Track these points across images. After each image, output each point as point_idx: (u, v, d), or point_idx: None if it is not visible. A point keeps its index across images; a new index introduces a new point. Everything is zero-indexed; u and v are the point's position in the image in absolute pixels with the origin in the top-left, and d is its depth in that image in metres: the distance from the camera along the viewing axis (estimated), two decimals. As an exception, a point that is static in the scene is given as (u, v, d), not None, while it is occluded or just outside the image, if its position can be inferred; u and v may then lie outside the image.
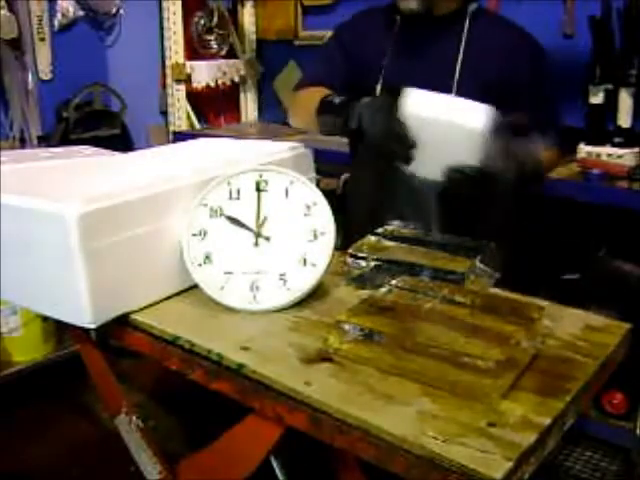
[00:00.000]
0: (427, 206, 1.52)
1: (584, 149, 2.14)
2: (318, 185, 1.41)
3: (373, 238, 1.37)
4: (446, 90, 1.52)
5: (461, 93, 1.51)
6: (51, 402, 2.45)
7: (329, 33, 3.06)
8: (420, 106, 1.27)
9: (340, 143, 2.58)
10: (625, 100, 2.11)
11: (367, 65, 1.63)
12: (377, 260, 1.28)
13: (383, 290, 1.17)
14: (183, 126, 3.18)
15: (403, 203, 1.56)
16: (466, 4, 1.59)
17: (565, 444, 2.17)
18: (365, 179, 1.69)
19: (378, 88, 1.59)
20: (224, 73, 3.30)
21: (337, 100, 1.46)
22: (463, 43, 1.55)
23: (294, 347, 1.08)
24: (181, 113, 3.18)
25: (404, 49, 1.61)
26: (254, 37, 3.40)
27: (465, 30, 1.55)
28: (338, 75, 1.66)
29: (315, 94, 1.58)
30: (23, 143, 2.73)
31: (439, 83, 1.53)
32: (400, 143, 1.26)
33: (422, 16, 1.58)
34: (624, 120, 2.12)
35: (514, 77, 1.54)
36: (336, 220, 1.23)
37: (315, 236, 1.22)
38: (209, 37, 3.26)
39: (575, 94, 2.20)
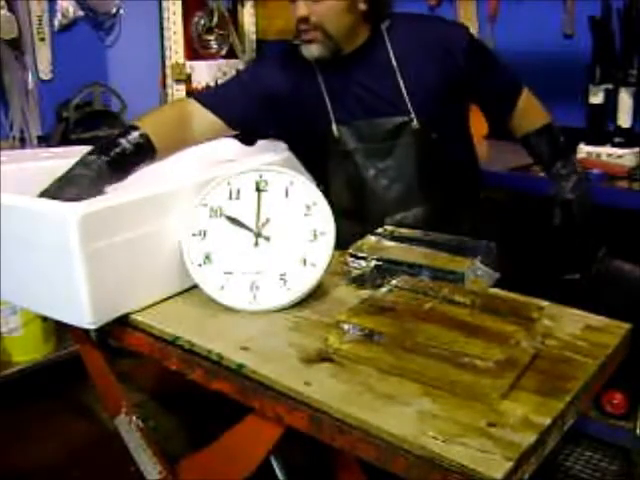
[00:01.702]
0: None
1: (584, 149, 2.14)
2: (318, 185, 1.41)
3: (373, 238, 1.37)
4: (403, 106, 1.51)
5: (419, 107, 1.51)
6: (51, 402, 2.45)
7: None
8: None
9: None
10: (625, 100, 2.11)
11: (306, 109, 1.57)
12: (377, 260, 1.28)
13: (383, 290, 1.17)
14: (183, 126, 3.18)
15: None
16: (377, 26, 1.54)
17: (565, 444, 2.17)
18: (338, 196, 1.65)
19: (334, 128, 1.54)
20: (224, 73, 3.29)
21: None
22: (393, 58, 1.52)
23: (294, 347, 1.08)
24: (181, 113, 3.17)
25: (340, 85, 1.55)
26: (254, 37, 3.39)
27: (388, 45, 1.52)
28: (237, 108, 1.56)
29: (174, 109, 1.58)
30: (23, 143, 2.72)
31: (393, 102, 1.52)
32: None
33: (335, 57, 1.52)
34: (624, 120, 2.12)
35: (456, 66, 1.53)
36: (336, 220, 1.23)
37: (315, 236, 1.22)
38: (209, 37, 3.25)
39: (575, 94, 2.20)
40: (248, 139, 1.63)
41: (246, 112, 1.57)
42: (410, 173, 1.54)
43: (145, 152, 1.39)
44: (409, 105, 1.51)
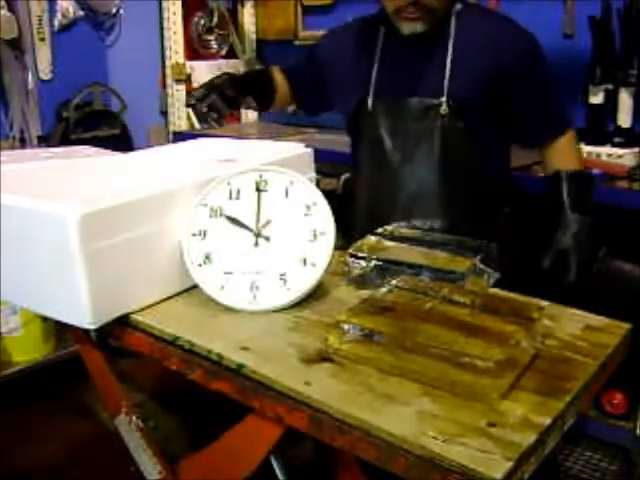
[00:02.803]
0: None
1: (584, 149, 2.14)
2: (318, 185, 1.41)
3: (373, 238, 1.37)
4: (439, 90, 1.51)
5: (453, 93, 1.50)
6: (51, 402, 2.45)
7: (329, 33, 3.08)
8: None
9: (340, 143, 2.59)
10: (625, 100, 2.11)
11: (353, 78, 1.61)
12: (377, 260, 1.28)
13: (383, 290, 1.17)
14: (183, 126, 3.18)
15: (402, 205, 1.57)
16: (451, 7, 1.56)
17: (565, 444, 2.17)
18: (363, 179, 1.68)
19: (369, 100, 1.57)
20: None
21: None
22: (451, 44, 1.52)
23: (294, 347, 1.08)
24: (181, 113, 3.17)
25: (392, 57, 1.58)
26: (254, 37, 3.40)
27: (452, 31, 1.53)
28: (300, 76, 1.78)
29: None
30: (23, 143, 2.73)
31: (431, 85, 1.53)
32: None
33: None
34: (624, 120, 2.12)
35: (503, 67, 1.52)
36: (336, 220, 1.23)
37: (315, 236, 1.22)
38: (209, 37, 3.26)
39: (575, 94, 2.20)
40: (311, 108, 1.87)
41: (306, 77, 1.75)
42: (432, 160, 1.53)
43: (268, 82, 1.71)
44: (445, 89, 1.51)
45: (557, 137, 1.60)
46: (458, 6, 1.56)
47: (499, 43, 1.53)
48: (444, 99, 1.50)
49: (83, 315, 1.14)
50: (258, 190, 1.26)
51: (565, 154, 1.61)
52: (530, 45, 1.57)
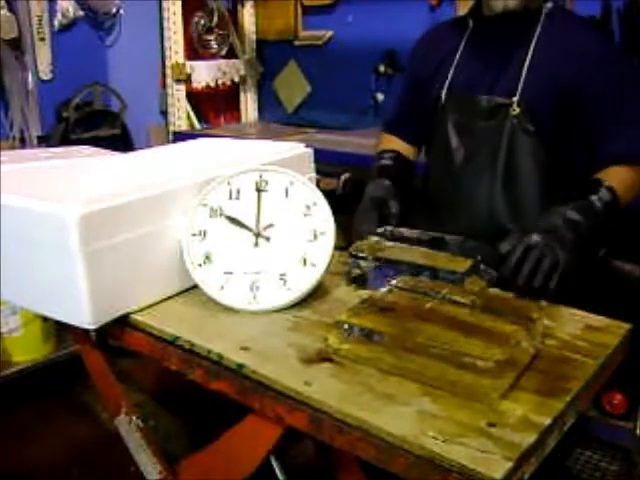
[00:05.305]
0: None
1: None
2: (318, 185, 1.41)
3: (373, 238, 1.37)
4: (512, 91, 1.44)
5: (527, 95, 1.43)
6: (51, 402, 2.45)
7: (329, 33, 3.09)
8: None
9: (340, 143, 2.60)
10: (625, 100, 2.10)
11: (436, 71, 1.57)
12: (377, 260, 1.28)
13: (383, 290, 1.17)
14: (183, 126, 3.18)
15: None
16: (542, 2, 1.49)
17: (565, 444, 2.17)
18: (429, 181, 1.65)
19: (443, 93, 1.53)
20: (224, 73, 3.30)
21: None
22: (533, 44, 1.46)
23: (294, 347, 1.08)
24: (181, 113, 3.18)
25: (473, 52, 1.54)
26: (254, 37, 3.40)
27: (537, 31, 1.47)
28: (406, 122, 1.68)
29: (380, 146, 1.68)
30: (23, 143, 2.73)
31: (505, 83, 1.47)
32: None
33: (498, 17, 1.48)
34: (624, 120, 2.11)
35: (591, 85, 1.42)
36: (336, 220, 1.23)
37: (315, 236, 1.22)
38: (209, 37, 3.26)
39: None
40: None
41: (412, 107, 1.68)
42: (496, 162, 1.46)
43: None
44: (518, 89, 1.44)
45: (621, 164, 1.40)
46: (549, 5, 1.49)
47: (589, 61, 1.43)
48: (516, 99, 1.43)
49: (83, 315, 1.14)
50: (258, 190, 1.26)
51: (621, 177, 1.39)
52: (615, 64, 1.47)
